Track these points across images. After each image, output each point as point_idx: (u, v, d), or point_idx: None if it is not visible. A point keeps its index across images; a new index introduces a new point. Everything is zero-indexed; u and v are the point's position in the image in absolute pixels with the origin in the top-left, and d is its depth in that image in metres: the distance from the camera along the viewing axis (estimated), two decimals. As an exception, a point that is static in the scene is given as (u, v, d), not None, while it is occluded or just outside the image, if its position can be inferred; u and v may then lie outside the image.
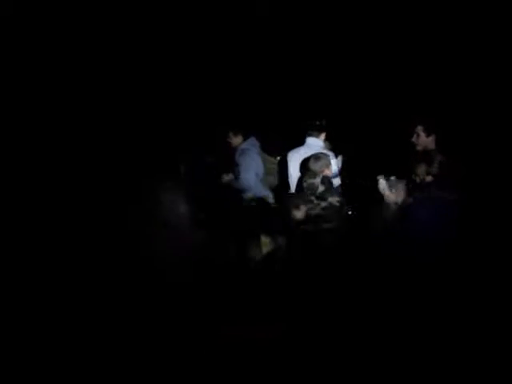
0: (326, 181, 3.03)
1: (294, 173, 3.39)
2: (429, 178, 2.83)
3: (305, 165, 3.12)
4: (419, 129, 3.20)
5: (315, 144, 3.41)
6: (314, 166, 3.03)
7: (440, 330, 2.11)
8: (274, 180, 3.79)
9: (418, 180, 2.87)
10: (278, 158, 3.82)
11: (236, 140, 3.67)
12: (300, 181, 3.14)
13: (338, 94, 4.50)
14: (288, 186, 3.52)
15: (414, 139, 3.23)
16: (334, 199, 2.98)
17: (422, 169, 2.86)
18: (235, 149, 3.69)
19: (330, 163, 3.14)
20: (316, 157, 3.06)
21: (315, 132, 3.43)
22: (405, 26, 4.23)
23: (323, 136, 3.48)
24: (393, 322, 2.10)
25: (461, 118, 3.54)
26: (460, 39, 3.98)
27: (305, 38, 4.60)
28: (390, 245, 2.57)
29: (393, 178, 3.08)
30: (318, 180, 2.99)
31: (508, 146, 3.12)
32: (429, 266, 2.49)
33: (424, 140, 3.19)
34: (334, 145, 3.63)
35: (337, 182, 3.36)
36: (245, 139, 3.67)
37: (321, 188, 2.98)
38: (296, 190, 3.25)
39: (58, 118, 3.76)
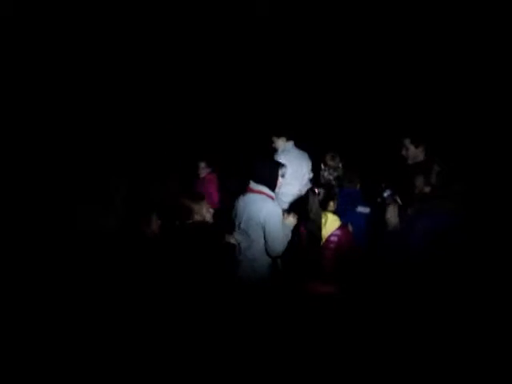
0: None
1: None
2: (427, 189, 2.77)
3: (323, 161, 3.40)
4: (407, 142, 3.18)
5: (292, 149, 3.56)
6: (332, 162, 3.31)
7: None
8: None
9: (416, 191, 2.81)
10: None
11: None
12: (320, 175, 3.42)
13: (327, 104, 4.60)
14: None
15: (403, 153, 3.19)
16: None
17: (420, 180, 2.81)
18: None
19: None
20: (332, 155, 3.34)
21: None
22: (394, 36, 4.32)
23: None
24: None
25: (450, 126, 3.58)
26: (447, 47, 4.07)
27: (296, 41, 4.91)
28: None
29: (388, 191, 3.03)
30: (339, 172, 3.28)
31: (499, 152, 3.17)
32: (430, 277, 2.42)
33: (413, 151, 3.16)
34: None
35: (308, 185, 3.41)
36: None
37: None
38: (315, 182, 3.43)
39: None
